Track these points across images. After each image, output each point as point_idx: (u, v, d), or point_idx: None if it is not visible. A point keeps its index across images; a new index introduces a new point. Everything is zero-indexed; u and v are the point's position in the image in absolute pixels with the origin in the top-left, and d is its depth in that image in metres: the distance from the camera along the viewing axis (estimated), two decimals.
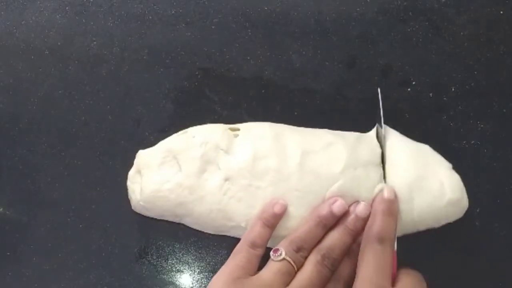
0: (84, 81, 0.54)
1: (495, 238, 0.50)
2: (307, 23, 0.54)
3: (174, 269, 0.50)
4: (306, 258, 0.39)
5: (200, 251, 0.51)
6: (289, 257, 0.38)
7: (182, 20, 0.55)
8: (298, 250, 0.39)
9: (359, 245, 0.40)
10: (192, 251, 0.50)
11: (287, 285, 0.37)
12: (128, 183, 0.48)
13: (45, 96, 0.54)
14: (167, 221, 0.48)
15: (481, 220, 0.50)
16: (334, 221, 0.41)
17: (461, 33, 0.53)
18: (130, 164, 0.49)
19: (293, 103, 0.52)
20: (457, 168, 0.51)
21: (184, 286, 0.50)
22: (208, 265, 0.50)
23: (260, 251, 0.40)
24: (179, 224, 0.48)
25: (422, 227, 0.45)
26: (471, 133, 0.52)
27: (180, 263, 0.50)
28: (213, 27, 0.54)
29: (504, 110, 0.52)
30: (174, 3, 0.55)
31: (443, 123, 0.52)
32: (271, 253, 0.39)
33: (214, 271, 0.50)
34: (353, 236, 0.41)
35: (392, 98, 0.52)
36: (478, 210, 0.50)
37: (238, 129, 0.47)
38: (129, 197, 0.48)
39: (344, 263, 0.40)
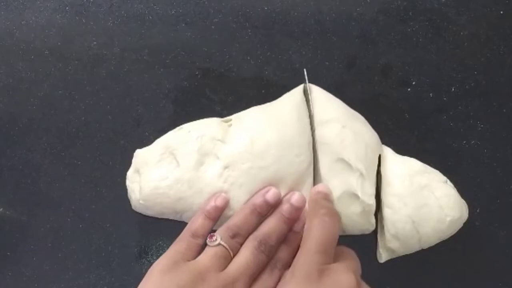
0: (84, 81, 0.54)
1: (495, 238, 0.50)
2: (307, 23, 0.54)
3: None
4: (242, 244, 0.40)
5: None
6: (225, 242, 0.39)
7: (182, 20, 0.55)
8: (234, 236, 0.40)
9: (296, 233, 0.42)
10: None
11: (223, 269, 0.38)
12: (127, 182, 0.48)
13: (45, 96, 0.54)
14: (167, 221, 0.48)
15: (481, 220, 0.50)
16: (268, 209, 0.42)
17: (461, 33, 0.53)
18: (130, 164, 0.48)
19: None
20: (457, 168, 0.51)
21: None
22: None
23: (200, 241, 0.40)
24: (179, 223, 0.48)
25: (426, 247, 0.46)
26: (471, 133, 0.52)
27: None
28: (213, 27, 0.55)
29: (504, 110, 0.52)
30: (174, 3, 0.55)
31: (443, 123, 0.52)
32: (207, 239, 0.40)
33: None
34: (288, 224, 0.41)
35: (392, 98, 0.52)
36: (478, 210, 0.50)
37: (231, 120, 0.48)
38: (128, 196, 0.48)
39: (281, 249, 0.41)
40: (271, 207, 0.42)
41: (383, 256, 0.46)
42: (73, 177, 0.52)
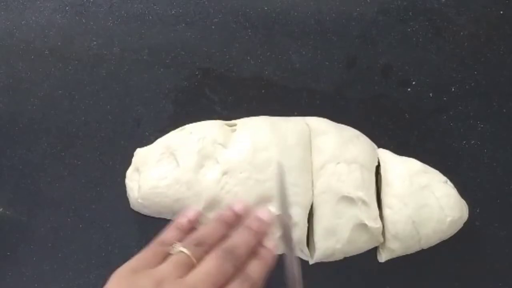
0: (84, 81, 0.54)
1: (495, 238, 0.50)
2: (307, 23, 0.54)
3: None
4: (207, 253, 0.39)
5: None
6: (187, 250, 0.38)
7: (182, 20, 0.55)
8: (198, 244, 0.39)
9: (268, 250, 0.41)
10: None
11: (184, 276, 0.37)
12: (127, 181, 0.48)
13: (45, 96, 0.54)
14: (167, 221, 0.48)
15: (481, 220, 0.50)
16: (236, 220, 0.41)
17: (461, 33, 0.53)
18: (130, 164, 0.49)
19: (293, 103, 0.52)
20: (457, 168, 0.51)
21: None
22: None
23: (167, 249, 0.40)
24: None
25: (427, 247, 0.46)
26: (471, 133, 0.52)
27: None
28: (213, 27, 0.55)
29: (504, 110, 0.52)
30: (174, 3, 0.55)
31: (443, 123, 0.52)
32: (171, 246, 0.39)
33: None
34: (256, 237, 0.41)
35: (392, 98, 0.52)
36: (478, 210, 0.50)
37: (235, 125, 0.47)
38: (127, 195, 0.48)
39: (253, 264, 0.40)
40: (239, 219, 0.42)
41: (383, 256, 0.46)
42: (73, 177, 0.52)
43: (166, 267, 0.37)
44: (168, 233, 0.41)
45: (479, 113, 0.52)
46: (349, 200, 0.44)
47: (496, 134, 0.52)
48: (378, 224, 0.44)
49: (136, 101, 0.53)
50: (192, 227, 0.42)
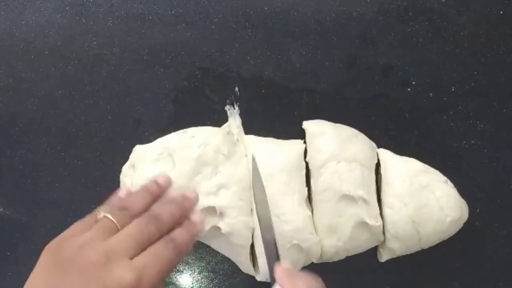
0: (84, 81, 0.54)
1: (495, 238, 0.50)
2: (307, 23, 0.54)
3: (174, 269, 0.50)
4: (132, 219, 0.39)
5: (200, 251, 0.50)
6: (111, 215, 0.38)
7: (182, 20, 0.55)
8: (122, 209, 0.39)
9: (193, 222, 0.41)
10: (191, 251, 0.50)
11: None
12: (121, 176, 0.48)
13: (45, 96, 0.54)
14: None
15: (481, 220, 0.50)
16: (159, 191, 0.41)
17: (461, 33, 0.53)
18: None
19: (293, 103, 0.52)
20: (457, 168, 0.51)
21: (184, 286, 0.50)
22: (208, 265, 0.50)
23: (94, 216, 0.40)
24: None
25: (427, 247, 0.46)
26: (471, 133, 0.52)
27: (180, 263, 0.50)
28: (213, 27, 0.55)
29: (504, 110, 0.52)
30: (174, 3, 0.55)
31: (443, 123, 0.52)
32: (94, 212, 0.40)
33: (213, 271, 0.50)
34: (180, 209, 0.41)
35: (392, 98, 0.52)
36: (478, 210, 0.50)
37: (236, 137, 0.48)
38: None
39: (178, 230, 0.40)
40: (162, 190, 0.42)
41: (383, 255, 0.46)
42: (73, 177, 0.52)
43: (90, 233, 0.38)
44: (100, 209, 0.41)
45: (479, 113, 0.52)
46: (349, 198, 0.44)
47: (496, 134, 0.52)
48: (379, 222, 0.44)
49: (136, 101, 0.53)
50: (123, 205, 0.41)
